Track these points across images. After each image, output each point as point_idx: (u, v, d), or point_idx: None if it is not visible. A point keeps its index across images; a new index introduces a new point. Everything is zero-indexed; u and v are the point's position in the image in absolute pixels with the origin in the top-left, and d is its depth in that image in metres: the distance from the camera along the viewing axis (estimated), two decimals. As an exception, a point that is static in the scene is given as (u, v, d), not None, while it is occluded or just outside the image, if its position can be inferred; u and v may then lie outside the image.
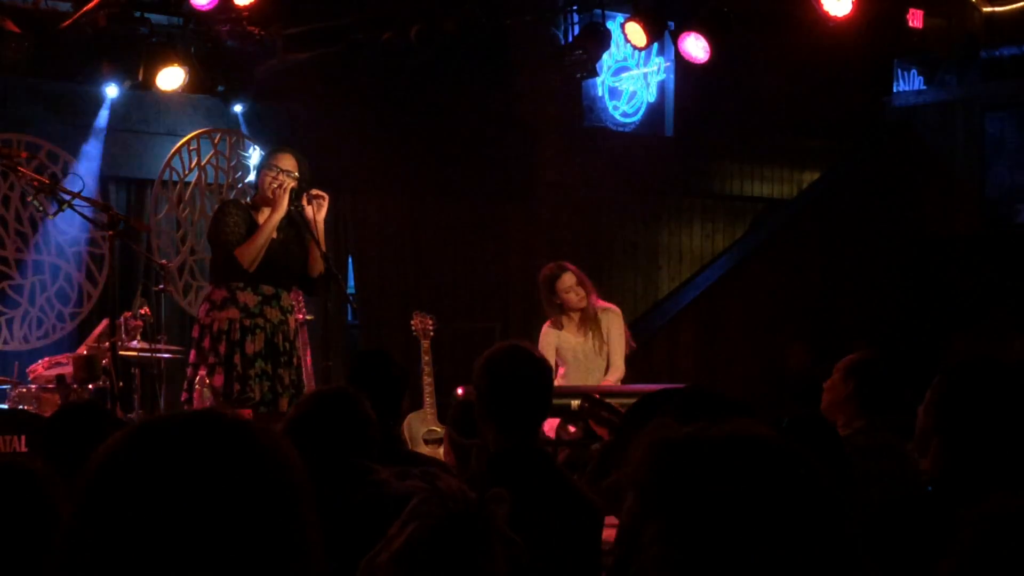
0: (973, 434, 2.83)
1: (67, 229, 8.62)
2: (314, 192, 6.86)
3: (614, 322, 7.67)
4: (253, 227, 6.77)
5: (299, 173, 6.84)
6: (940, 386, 2.93)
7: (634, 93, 11.36)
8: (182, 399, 6.86)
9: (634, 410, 3.61)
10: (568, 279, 7.55)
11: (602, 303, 7.70)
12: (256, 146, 9.16)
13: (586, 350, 7.57)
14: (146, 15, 8.36)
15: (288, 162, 6.85)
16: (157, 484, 1.35)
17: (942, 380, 2.93)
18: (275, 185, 6.76)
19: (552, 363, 7.49)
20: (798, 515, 1.43)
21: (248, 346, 6.73)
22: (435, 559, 1.75)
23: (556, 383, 7.18)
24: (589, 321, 7.58)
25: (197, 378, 6.66)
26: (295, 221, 6.94)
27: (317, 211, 6.84)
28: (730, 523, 1.42)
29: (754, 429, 1.49)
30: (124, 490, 1.35)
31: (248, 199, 7.20)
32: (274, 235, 6.80)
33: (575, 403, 6.28)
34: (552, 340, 7.62)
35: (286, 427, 3.57)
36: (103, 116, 8.76)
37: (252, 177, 8.37)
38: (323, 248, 6.86)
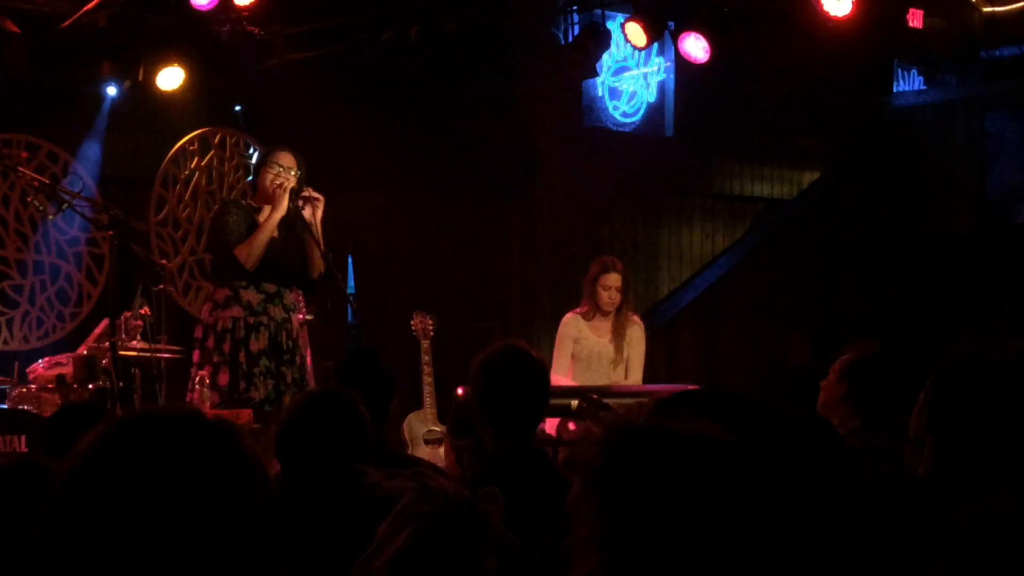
0: (967, 434, 2.81)
1: (67, 229, 8.62)
2: (309, 194, 6.86)
3: (636, 335, 7.59)
4: (254, 226, 6.78)
5: (298, 170, 6.84)
6: (933, 386, 2.91)
7: (634, 93, 11.36)
8: (187, 400, 6.86)
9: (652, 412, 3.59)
10: (613, 279, 7.44)
11: (632, 315, 7.60)
12: (256, 146, 9.16)
13: (601, 355, 7.47)
14: (146, 15, 8.36)
15: (288, 159, 6.86)
16: (127, 481, 1.39)
17: (935, 380, 2.91)
18: (278, 183, 6.76)
19: (567, 355, 7.42)
20: (734, 523, 1.45)
21: (252, 344, 6.72)
22: (431, 562, 1.75)
23: (563, 380, 7.17)
24: (617, 328, 7.48)
25: (197, 378, 6.66)
26: (294, 220, 6.94)
27: (313, 212, 6.84)
28: (668, 518, 1.43)
29: (713, 431, 1.51)
30: (96, 487, 1.40)
31: (247, 199, 7.18)
32: (275, 234, 6.80)
33: (575, 403, 6.28)
34: (572, 331, 7.48)
35: (280, 429, 3.56)
36: (103, 116, 8.76)
37: (251, 177, 8.30)
38: (323, 248, 6.86)
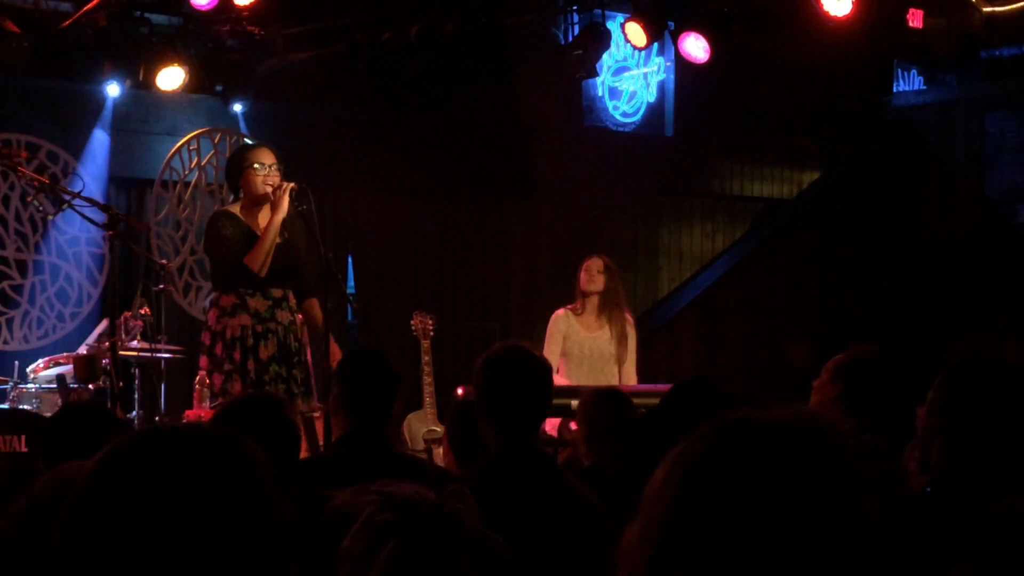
0: (978, 435, 2.80)
1: (67, 229, 8.62)
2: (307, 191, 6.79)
3: (628, 332, 7.53)
4: (249, 233, 6.66)
5: (280, 163, 6.71)
6: (943, 386, 2.89)
7: (634, 93, 11.36)
8: (195, 397, 6.83)
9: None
10: (594, 262, 7.46)
11: (624, 313, 7.54)
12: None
13: (591, 350, 7.38)
14: (146, 15, 8.35)
15: (268, 155, 6.71)
16: (145, 495, 1.41)
17: (946, 380, 2.89)
18: (269, 183, 6.64)
19: (556, 351, 7.39)
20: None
21: (262, 351, 6.62)
22: (409, 570, 1.73)
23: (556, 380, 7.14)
24: (609, 324, 7.41)
25: (197, 378, 6.64)
26: (290, 221, 6.87)
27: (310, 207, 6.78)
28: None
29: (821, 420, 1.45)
30: (115, 499, 1.42)
31: (232, 207, 7.02)
32: (277, 239, 6.72)
33: (576, 403, 6.26)
34: (561, 327, 7.39)
35: None
36: (104, 116, 8.76)
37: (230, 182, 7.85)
38: (322, 247, 6.81)
